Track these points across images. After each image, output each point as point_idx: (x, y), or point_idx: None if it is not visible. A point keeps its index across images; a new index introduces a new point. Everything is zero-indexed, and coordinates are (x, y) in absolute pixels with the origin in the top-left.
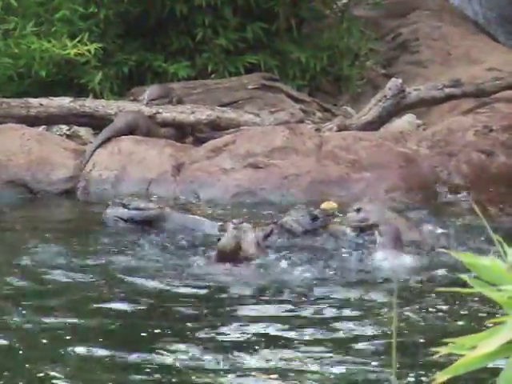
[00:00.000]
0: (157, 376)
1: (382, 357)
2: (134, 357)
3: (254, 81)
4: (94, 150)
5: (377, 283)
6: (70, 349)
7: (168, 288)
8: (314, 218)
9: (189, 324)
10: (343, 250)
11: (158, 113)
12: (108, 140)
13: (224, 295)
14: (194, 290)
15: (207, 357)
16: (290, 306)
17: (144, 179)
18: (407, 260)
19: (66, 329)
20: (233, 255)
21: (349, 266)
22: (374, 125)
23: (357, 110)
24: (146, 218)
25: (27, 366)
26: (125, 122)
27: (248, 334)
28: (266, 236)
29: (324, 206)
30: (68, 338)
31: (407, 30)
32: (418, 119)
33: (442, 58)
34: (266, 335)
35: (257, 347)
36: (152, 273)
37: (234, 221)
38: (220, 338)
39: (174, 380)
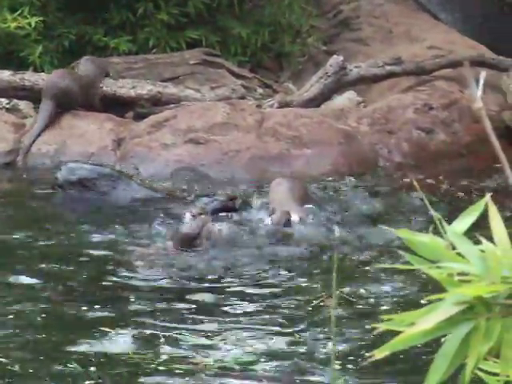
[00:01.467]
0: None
1: (321, 334)
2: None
3: (195, 56)
4: (33, 141)
5: (315, 257)
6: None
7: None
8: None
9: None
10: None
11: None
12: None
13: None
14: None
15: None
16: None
17: (84, 153)
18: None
19: None
20: (193, 242)
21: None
22: (315, 102)
23: (298, 86)
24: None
25: None
26: (56, 95)
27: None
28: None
29: None
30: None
31: (348, 7)
32: (358, 96)
33: (382, 36)
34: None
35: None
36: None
37: (193, 210)
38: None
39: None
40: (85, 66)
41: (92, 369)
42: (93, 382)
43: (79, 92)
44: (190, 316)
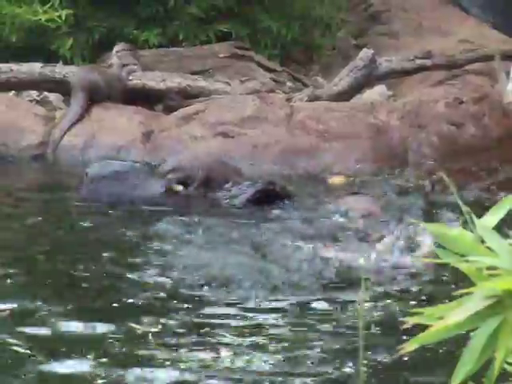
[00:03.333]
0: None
1: (349, 324)
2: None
3: (224, 49)
4: (64, 134)
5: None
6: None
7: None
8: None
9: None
10: None
11: (129, 80)
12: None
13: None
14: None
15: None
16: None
17: (113, 146)
18: None
19: None
20: None
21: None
22: (345, 95)
23: (328, 80)
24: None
25: None
26: (86, 87)
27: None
28: None
29: (333, 180)
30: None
31: (379, 0)
32: (388, 90)
33: (413, 30)
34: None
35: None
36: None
37: None
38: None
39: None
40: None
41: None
42: None
43: (106, 85)
44: None
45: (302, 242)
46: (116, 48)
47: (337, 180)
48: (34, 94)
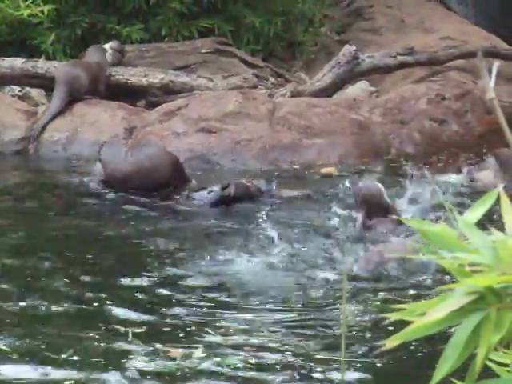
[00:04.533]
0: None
1: (332, 320)
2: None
3: (207, 45)
4: (45, 126)
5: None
6: None
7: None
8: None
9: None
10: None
11: (111, 75)
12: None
13: None
14: None
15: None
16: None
17: (96, 142)
18: None
19: None
20: None
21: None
22: (328, 91)
23: (310, 76)
24: None
25: None
26: (68, 82)
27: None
28: None
29: (323, 171)
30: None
31: None
32: (371, 86)
33: (396, 26)
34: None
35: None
36: None
37: None
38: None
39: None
40: (92, 54)
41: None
42: None
43: (88, 79)
44: None
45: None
46: (109, 45)
47: (328, 170)
48: (16, 89)
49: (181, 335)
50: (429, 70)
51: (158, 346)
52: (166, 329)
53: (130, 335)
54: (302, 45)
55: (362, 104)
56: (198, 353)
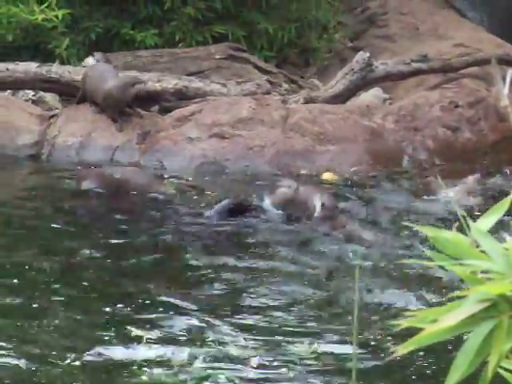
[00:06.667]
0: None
1: (344, 327)
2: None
3: (221, 51)
4: None
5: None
6: None
7: None
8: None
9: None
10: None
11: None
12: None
13: None
14: None
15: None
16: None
17: (109, 147)
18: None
19: None
20: None
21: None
22: (341, 98)
23: (324, 82)
24: None
25: None
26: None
27: None
28: None
29: (324, 176)
30: None
31: (376, 3)
32: (384, 93)
33: (409, 33)
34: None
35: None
36: None
37: None
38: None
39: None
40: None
41: None
42: None
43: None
44: None
45: None
46: (94, 57)
47: (329, 176)
48: (30, 93)
49: (183, 342)
50: (442, 78)
51: (161, 351)
52: (170, 336)
53: (144, 340)
54: (315, 51)
55: (375, 111)
56: (199, 362)
